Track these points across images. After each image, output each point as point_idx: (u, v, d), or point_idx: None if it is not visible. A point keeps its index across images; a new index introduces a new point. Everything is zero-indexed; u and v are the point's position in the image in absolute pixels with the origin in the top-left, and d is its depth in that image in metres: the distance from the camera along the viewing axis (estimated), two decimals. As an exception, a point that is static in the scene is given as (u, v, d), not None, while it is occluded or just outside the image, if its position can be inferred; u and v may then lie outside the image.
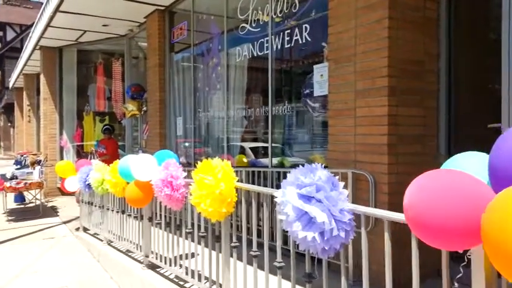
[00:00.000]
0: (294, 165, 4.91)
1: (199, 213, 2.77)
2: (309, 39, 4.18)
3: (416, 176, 1.34)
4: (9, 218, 7.90)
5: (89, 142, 10.19)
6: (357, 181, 3.21)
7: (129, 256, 4.70)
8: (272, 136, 4.66)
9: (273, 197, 2.17)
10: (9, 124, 28.61)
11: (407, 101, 3.20)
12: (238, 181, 2.64)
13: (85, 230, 6.62)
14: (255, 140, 5.69)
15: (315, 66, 3.96)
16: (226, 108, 5.50)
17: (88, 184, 5.67)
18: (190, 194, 2.75)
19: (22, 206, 9.11)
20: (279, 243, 2.33)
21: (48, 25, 8.24)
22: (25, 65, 13.32)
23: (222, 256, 2.86)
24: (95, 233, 6.14)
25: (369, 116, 3.19)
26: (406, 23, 3.19)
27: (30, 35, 10.79)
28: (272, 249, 2.48)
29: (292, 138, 4.96)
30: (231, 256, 2.79)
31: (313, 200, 1.71)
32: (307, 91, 4.23)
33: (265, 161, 5.38)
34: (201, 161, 2.75)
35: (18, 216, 8.02)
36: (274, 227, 3.20)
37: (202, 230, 3.13)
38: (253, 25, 4.99)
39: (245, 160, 5.45)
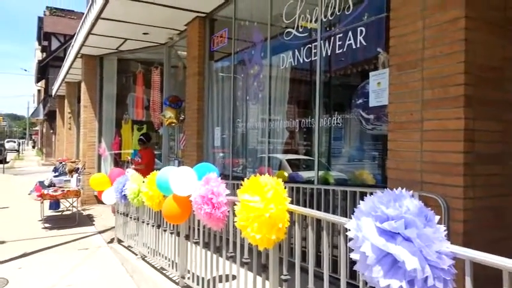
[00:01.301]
0: (340, 182, 4.63)
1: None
2: (364, 43, 3.79)
3: (495, 201, 0.95)
4: (46, 225, 7.87)
5: (127, 151, 10.14)
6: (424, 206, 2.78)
7: (164, 275, 4.43)
8: (319, 149, 4.28)
9: (334, 224, 1.79)
10: (51, 131, 29.59)
11: (485, 113, 2.76)
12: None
13: (119, 241, 6.45)
14: (295, 152, 5.33)
15: (371, 74, 3.57)
16: (268, 118, 5.18)
17: (124, 195, 5.49)
18: (235, 215, 2.42)
19: (59, 213, 9.12)
20: (343, 280, 1.95)
21: (89, 32, 8.27)
22: (67, 73, 13.60)
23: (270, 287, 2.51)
24: (129, 246, 5.94)
25: (439, 130, 2.76)
26: (484, 24, 2.76)
27: (72, 43, 10.96)
28: (334, 284, 2.10)
29: (337, 151, 4.57)
30: (280, 288, 2.43)
31: (398, 238, 1.34)
32: (360, 101, 3.85)
33: (304, 175, 5.02)
34: (243, 177, 2.43)
35: (54, 224, 7.99)
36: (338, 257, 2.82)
37: (246, 255, 2.79)
38: (300, 30, 4.67)
39: (286, 174, 5.09)
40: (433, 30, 2.86)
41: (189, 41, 7.34)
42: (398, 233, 1.34)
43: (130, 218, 5.73)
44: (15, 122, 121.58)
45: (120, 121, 10.71)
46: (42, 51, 34.62)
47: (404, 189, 1.44)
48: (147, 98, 9.94)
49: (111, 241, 6.66)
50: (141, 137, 8.47)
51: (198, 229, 3.64)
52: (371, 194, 3.36)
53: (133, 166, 8.28)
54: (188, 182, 3.32)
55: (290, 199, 2.31)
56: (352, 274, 2.40)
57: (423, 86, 2.88)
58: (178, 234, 4.00)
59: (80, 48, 10.03)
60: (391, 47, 3.14)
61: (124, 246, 6.15)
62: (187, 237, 3.89)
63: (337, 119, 4.21)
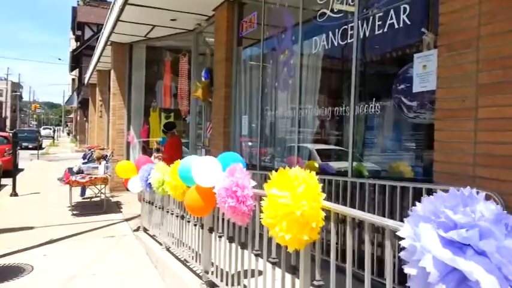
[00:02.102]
0: (374, 174, 4.31)
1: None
2: (408, 22, 3.42)
3: None
4: (74, 212, 7.91)
5: (155, 138, 10.07)
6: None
7: (188, 267, 4.26)
8: (354, 139, 3.96)
9: (379, 228, 1.52)
10: (84, 119, 30.24)
11: (550, 100, 2.39)
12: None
13: (145, 230, 6.36)
14: (324, 142, 5.01)
15: (416, 56, 3.21)
16: (298, 106, 4.88)
17: (149, 183, 5.35)
18: (261, 211, 2.18)
19: (87, 200, 9.18)
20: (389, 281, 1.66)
21: (118, 19, 8.16)
22: (98, 61, 13.68)
23: (299, 290, 2.25)
24: (154, 235, 5.83)
25: (497, 118, 2.42)
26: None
27: (102, 30, 10.94)
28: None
29: (372, 141, 4.24)
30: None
31: (469, 251, 1.05)
32: (402, 86, 3.49)
33: (335, 165, 4.71)
34: (271, 167, 2.16)
35: (83, 211, 8.01)
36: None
37: (274, 254, 2.55)
38: (335, 10, 4.32)
39: (316, 165, 4.79)
40: (491, 4, 2.50)
41: (217, 26, 7.10)
42: (469, 245, 1.05)
43: (156, 206, 5.60)
44: (51, 110, 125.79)
45: (149, 109, 10.65)
46: (76, 40, 35.35)
47: (474, 189, 1.14)
48: (175, 86, 9.81)
49: (137, 229, 6.59)
50: (163, 128, 8.34)
51: (223, 221, 3.43)
52: (414, 189, 3.09)
53: (156, 154, 8.19)
54: (212, 172, 3.10)
55: (324, 195, 2.03)
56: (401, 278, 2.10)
57: (478, 68, 2.53)
58: (202, 226, 3.80)
59: (110, 35, 9.98)
60: (441, 25, 2.78)
61: (149, 235, 6.05)
62: (211, 230, 3.68)
63: (374, 106, 3.86)
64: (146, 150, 10.60)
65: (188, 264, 4.32)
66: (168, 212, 4.95)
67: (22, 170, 15.74)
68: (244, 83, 6.58)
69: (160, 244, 5.19)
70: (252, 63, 6.40)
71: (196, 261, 4.06)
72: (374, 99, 3.87)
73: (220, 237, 3.50)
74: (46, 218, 7.36)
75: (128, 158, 10.71)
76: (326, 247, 3.32)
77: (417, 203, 1.22)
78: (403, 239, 1.21)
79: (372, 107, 3.87)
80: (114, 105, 10.82)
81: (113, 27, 9.11)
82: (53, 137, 44.10)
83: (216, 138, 7.05)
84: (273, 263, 2.53)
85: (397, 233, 1.31)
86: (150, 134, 10.37)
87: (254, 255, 2.83)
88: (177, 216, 4.55)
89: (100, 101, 17.64)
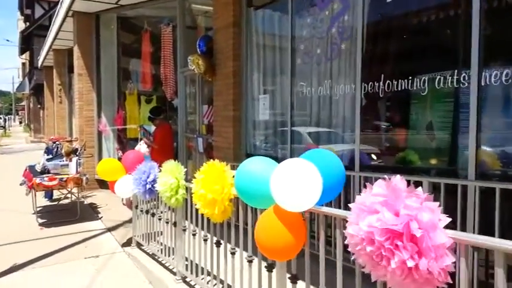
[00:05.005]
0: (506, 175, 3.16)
1: None
2: None
3: None
4: (41, 220, 6.32)
5: (133, 126, 8.49)
6: None
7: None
8: (478, 122, 2.74)
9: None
10: (38, 106, 27.65)
11: None
12: None
13: (139, 245, 4.96)
14: (409, 127, 3.63)
15: None
16: (361, 79, 3.58)
17: (149, 189, 3.96)
18: None
19: (55, 203, 7.56)
20: None
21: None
22: (55, 37, 11.73)
23: None
24: (154, 254, 4.47)
25: None
26: None
27: (61, -1, 9.10)
28: None
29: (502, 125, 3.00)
30: None
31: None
32: None
33: (432, 162, 3.45)
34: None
35: (52, 219, 6.43)
36: None
37: None
38: None
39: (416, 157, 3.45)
40: None
41: (218, -19, 5.65)
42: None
43: (159, 219, 4.21)
44: (0, 98, 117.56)
45: (124, 92, 9.01)
46: (26, 21, 32.14)
47: None
48: (156, 63, 8.22)
49: (128, 243, 5.17)
50: (150, 114, 6.83)
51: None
52: None
53: (144, 140, 6.71)
54: (311, 186, 1.78)
55: None
56: None
57: None
58: (270, 268, 2.42)
59: (71, 4, 8.23)
60: None
61: (146, 253, 4.67)
62: (270, 267, 2.36)
63: (503, 74, 2.64)
64: (122, 140, 9.01)
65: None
66: (184, 229, 3.58)
67: (-31, 166, 13.62)
68: (262, 53, 5.20)
69: (172, 271, 3.84)
70: (274, 22, 5.01)
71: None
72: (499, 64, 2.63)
73: (295, 280, 2.18)
74: (6, 232, 5.75)
75: (100, 150, 9.10)
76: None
77: None
78: None
79: (505, 74, 2.64)
80: (80, 88, 9.07)
81: (77, -8, 7.43)
82: (4, 127, 40.69)
83: (221, 124, 5.67)
84: None
85: None
86: (126, 121, 8.76)
87: None
88: (205, 239, 3.16)
89: (59, 85, 15.56)
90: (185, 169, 3.51)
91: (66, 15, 9.14)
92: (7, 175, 10.16)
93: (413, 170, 3.30)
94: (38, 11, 27.34)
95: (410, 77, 3.17)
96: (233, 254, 2.75)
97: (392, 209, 1.34)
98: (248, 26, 5.33)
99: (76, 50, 9.15)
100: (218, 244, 2.92)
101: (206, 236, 3.12)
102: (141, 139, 6.88)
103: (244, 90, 5.40)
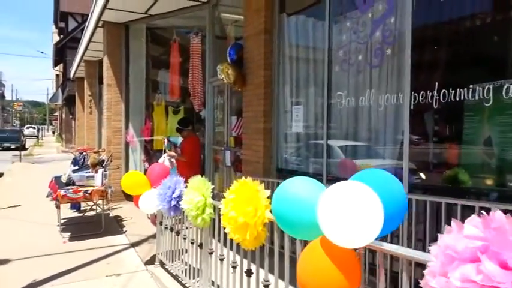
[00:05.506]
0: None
1: None
2: None
3: None
4: (64, 234, 6.15)
5: (159, 137, 8.31)
6: None
7: None
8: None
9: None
10: (70, 116, 28.24)
11: None
12: None
13: (162, 264, 4.68)
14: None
15: None
16: (410, 87, 3.19)
17: (175, 205, 3.68)
18: None
19: (80, 215, 7.42)
20: None
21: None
22: (86, 48, 11.82)
23: None
24: (177, 275, 4.18)
25: None
26: None
27: (92, 8, 9.10)
28: None
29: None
30: None
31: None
32: None
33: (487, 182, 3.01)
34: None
35: (76, 232, 6.26)
36: None
37: None
38: None
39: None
40: None
41: (249, -13, 5.40)
42: None
43: (184, 238, 3.92)
44: (36, 108, 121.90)
45: (151, 103, 8.87)
46: (59, 34, 33.22)
47: None
48: (184, 74, 8.05)
49: (151, 261, 4.90)
50: (178, 125, 6.58)
51: None
52: None
53: (168, 154, 6.46)
54: (368, 218, 1.43)
55: None
56: None
57: None
58: None
59: (102, 13, 8.19)
60: None
61: (170, 273, 4.39)
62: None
63: None
64: (149, 151, 8.85)
65: None
66: (211, 253, 3.27)
67: (1, 174, 13.85)
68: (294, 62, 4.90)
69: (196, 296, 3.53)
70: (309, 28, 4.70)
71: None
72: None
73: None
74: (27, 245, 5.60)
75: (127, 162, 8.97)
76: None
77: None
78: None
79: None
80: (109, 99, 9.01)
81: (106, 1, 7.35)
82: (37, 137, 41.86)
83: (250, 136, 5.37)
84: None
85: None
86: (154, 132, 8.60)
87: None
88: (234, 266, 2.83)
89: (89, 96, 15.73)
90: (213, 186, 3.21)
91: (96, 26, 9.14)
92: (37, 185, 10.17)
93: (475, 192, 2.88)
94: (72, 24, 28.14)
95: (471, 86, 2.77)
96: (266, 287, 2.40)
97: (497, 258, 0.98)
98: (280, 33, 5.05)
99: (106, 60, 9.11)
100: (249, 273, 2.58)
101: (235, 263, 2.79)
102: (165, 151, 6.65)
103: (276, 101, 5.10)
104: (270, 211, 2.29)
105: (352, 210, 1.41)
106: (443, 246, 1.09)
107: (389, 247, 1.55)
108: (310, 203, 1.57)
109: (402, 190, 1.64)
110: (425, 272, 1.15)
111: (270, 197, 2.33)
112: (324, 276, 1.57)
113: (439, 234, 1.16)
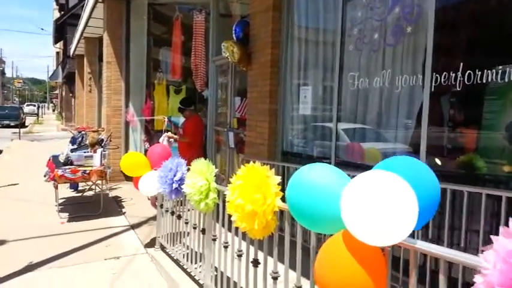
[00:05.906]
0: None
1: None
2: None
3: None
4: (62, 214, 6.01)
5: (160, 117, 8.10)
6: None
7: None
8: None
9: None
10: (70, 95, 27.95)
11: None
12: None
13: (162, 247, 4.55)
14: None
15: None
16: (431, 68, 2.97)
17: (176, 189, 3.51)
18: None
19: (79, 195, 7.29)
20: None
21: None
22: (86, 24, 11.50)
23: None
24: (178, 259, 4.04)
25: None
26: None
27: (92, -18, 8.78)
28: None
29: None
30: None
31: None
32: None
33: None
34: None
35: (74, 213, 6.12)
36: None
37: None
38: None
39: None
40: None
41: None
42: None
43: (186, 223, 3.77)
44: (36, 86, 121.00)
45: (152, 81, 8.64)
46: (60, 10, 32.61)
47: None
48: (187, 52, 7.79)
49: (151, 244, 4.77)
50: (180, 104, 6.36)
51: None
52: None
53: (168, 135, 6.26)
54: (401, 214, 1.25)
55: None
56: None
57: None
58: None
59: (102, -12, 7.90)
60: None
61: (170, 257, 4.25)
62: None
63: None
64: (149, 131, 8.66)
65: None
66: (214, 239, 3.11)
67: (0, 152, 13.69)
68: (303, 41, 4.66)
69: (198, 283, 3.39)
70: (319, 5, 4.44)
71: None
72: None
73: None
74: (25, 225, 5.47)
75: (127, 142, 8.79)
76: None
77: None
78: None
79: None
80: (108, 77, 8.77)
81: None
82: (37, 114, 41.61)
83: (255, 118, 5.16)
84: None
85: None
86: (155, 111, 8.39)
87: None
88: (239, 255, 2.67)
89: (89, 73, 15.45)
90: (216, 170, 3.03)
91: (96, 1, 8.83)
92: (36, 164, 10.00)
93: (501, 181, 2.70)
94: (72, 1, 27.58)
95: (500, 67, 2.55)
96: (275, 279, 2.24)
97: None
98: (290, 10, 4.79)
99: (105, 36, 8.84)
100: (256, 263, 2.42)
101: (241, 251, 2.63)
102: (165, 131, 6.46)
103: (282, 81, 4.88)
104: (281, 199, 2.11)
105: (384, 204, 1.23)
106: (505, 252, 0.92)
107: (425, 246, 1.37)
108: (333, 194, 1.39)
109: (436, 180, 1.46)
110: (477, 281, 0.98)
111: (280, 184, 2.16)
112: (344, 275, 1.40)
113: (492, 237, 0.98)
